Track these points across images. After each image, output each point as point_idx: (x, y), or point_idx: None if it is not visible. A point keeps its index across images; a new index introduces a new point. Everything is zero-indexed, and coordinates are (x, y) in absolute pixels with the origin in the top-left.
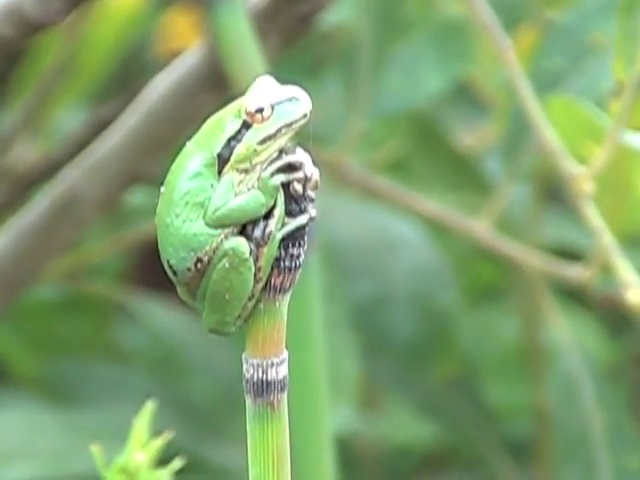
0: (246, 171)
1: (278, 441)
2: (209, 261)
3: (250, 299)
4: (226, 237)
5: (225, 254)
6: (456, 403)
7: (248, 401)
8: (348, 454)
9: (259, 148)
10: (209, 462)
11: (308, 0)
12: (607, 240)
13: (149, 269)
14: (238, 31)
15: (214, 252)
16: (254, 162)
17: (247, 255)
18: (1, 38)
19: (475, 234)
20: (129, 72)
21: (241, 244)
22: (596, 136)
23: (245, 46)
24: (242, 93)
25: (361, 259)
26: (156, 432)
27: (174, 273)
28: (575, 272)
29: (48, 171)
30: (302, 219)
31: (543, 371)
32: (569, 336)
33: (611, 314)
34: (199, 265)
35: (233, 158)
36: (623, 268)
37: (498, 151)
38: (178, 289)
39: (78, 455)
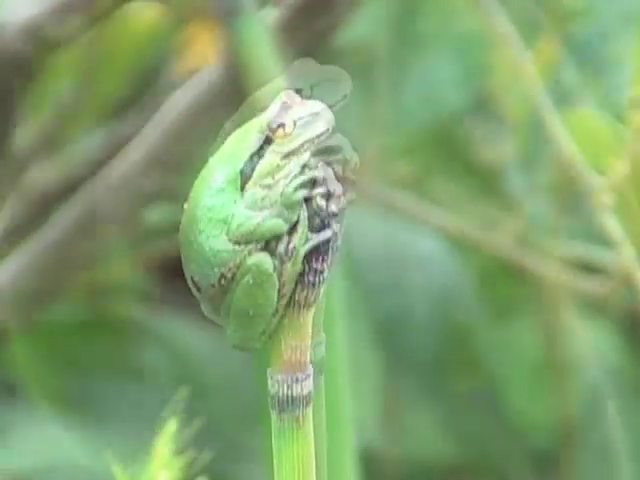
0: (269, 187)
1: (303, 457)
2: (233, 277)
3: (274, 315)
4: (249, 253)
5: (249, 270)
6: (479, 418)
7: (273, 417)
8: (369, 469)
9: (282, 163)
10: None
11: (326, 15)
12: (628, 252)
13: (169, 287)
14: (259, 47)
15: (238, 268)
16: (277, 177)
17: (271, 271)
18: (19, 54)
19: (496, 248)
20: (147, 89)
21: (265, 260)
22: (615, 148)
23: (266, 62)
24: (263, 108)
25: (383, 274)
26: (178, 451)
27: (198, 289)
28: (596, 285)
29: (67, 189)
30: (325, 234)
31: (567, 385)
32: (592, 349)
33: (633, 326)
34: (223, 281)
35: (256, 174)
36: None
37: (518, 165)
38: (202, 305)
39: (99, 475)
